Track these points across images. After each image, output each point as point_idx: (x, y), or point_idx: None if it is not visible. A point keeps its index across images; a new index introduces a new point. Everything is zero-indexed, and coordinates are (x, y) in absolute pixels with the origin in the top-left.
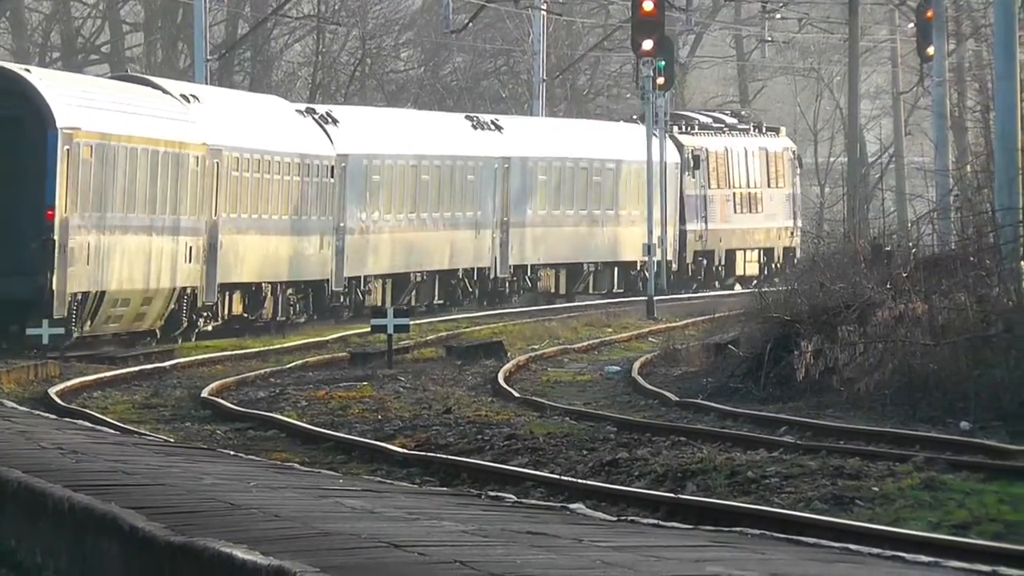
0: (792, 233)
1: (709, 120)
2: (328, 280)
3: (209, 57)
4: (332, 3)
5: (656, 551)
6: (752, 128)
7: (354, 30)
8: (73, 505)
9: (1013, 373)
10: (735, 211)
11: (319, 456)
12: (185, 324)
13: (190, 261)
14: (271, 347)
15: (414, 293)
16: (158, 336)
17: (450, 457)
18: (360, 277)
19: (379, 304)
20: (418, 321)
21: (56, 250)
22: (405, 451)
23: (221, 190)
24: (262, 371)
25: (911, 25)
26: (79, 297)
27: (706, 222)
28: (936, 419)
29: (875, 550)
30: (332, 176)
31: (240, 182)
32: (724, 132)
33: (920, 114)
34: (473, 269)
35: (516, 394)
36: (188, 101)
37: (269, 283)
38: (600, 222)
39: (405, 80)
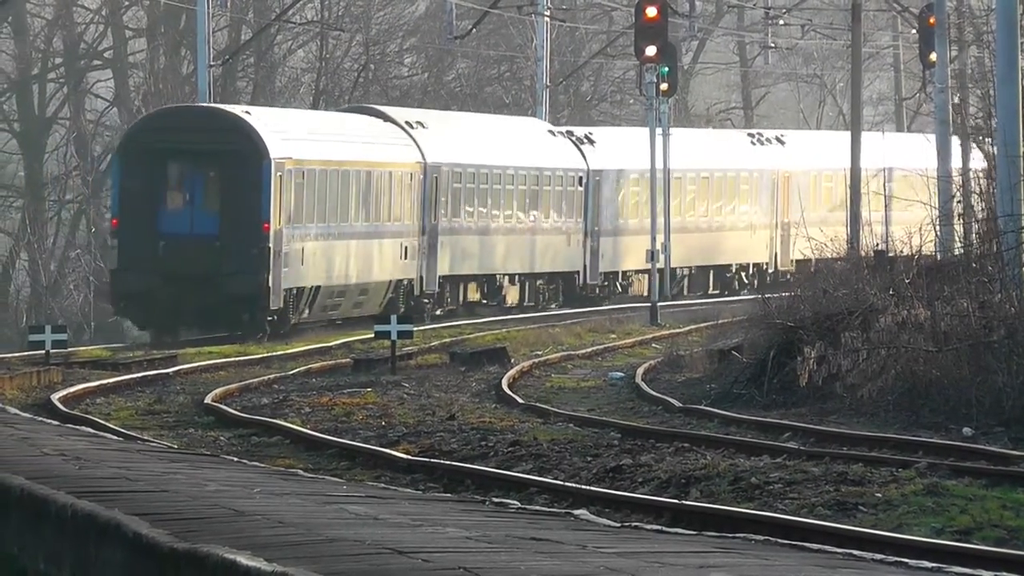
0: None
1: None
2: (579, 272)
3: (212, 63)
4: (336, 9)
5: (660, 557)
6: None
7: (358, 36)
8: (76, 512)
9: (1015, 379)
10: None
11: (323, 462)
12: (402, 309)
13: (405, 258)
14: (274, 353)
15: (685, 283)
16: None
17: (454, 463)
18: (617, 272)
19: (642, 294)
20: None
21: (271, 255)
22: (409, 457)
23: (440, 200)
24: (265, 377)
25: (913, 31)
26: (294, 292)
27: None
28: (939, 425)
29: (878, 556)
30: (581, 186)
31: (462, 193)
32: None
33: (923, 120)
34: (749, 264)
35: (520, 400)
36: (413, 127)
37: (506, 274)
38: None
39: (409, 86)
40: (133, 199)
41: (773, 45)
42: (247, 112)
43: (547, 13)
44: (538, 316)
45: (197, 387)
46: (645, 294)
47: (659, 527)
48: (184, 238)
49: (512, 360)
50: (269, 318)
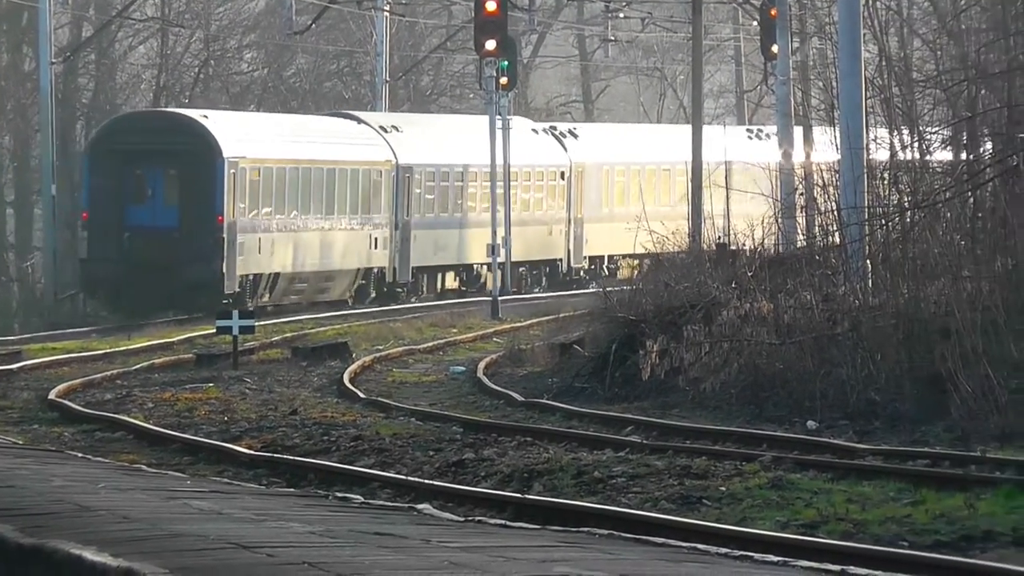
0: None
1: None
2: (561, 259)
3: (54, 60)
4: (176, 5)
5: (504, 551)
6: None
7: (198, 32)
8: None
9: (859, 372)
10: None
11: (166, 457)
12: (373, 295)
13: (376, 248)
14: (117, 349)
15: None
16: (350, 304)
17: (297, 458)
18: (603, 256)
19: (629, 277)
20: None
21: (225, 245)
22: (252, 452)
23: (413, 197)
24: (108, 373)
25: (755, 23)
26: (251, 278)
27: None
28: (783, 418)
29: (723, 550)
30: (563, 179)
31: (436, 190)
32: None
33: (764, 113)
34: None
35: (362, 395)
36: (387, 131)
37: (484, 263)
38: None
39: (249, 82)
40: (101, 195)
41: (613, 38)
42: (204, 116)
43: (386, 8)
44: (379, 311)
45: (41, 383)
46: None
47: (503, 521)
48: (147, 230)
49: (353, 355)
50: (225, 301)
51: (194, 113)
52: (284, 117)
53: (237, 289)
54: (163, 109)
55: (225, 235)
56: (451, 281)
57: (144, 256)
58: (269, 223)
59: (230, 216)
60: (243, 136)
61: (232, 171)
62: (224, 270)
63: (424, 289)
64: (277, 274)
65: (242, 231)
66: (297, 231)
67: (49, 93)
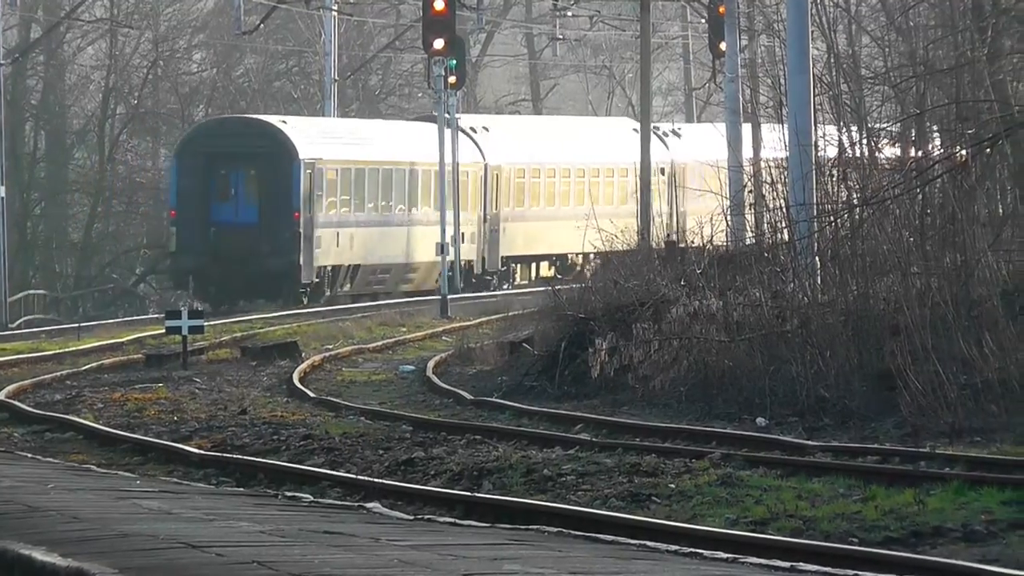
0: None
1: None
2: None
3: (3, 61)
4: (125, 6)
5: (454, 550)
6: None
7: (147, 33)
8: None
9: (809, 369)
10: None
11: (116, 458)
12: (461, 286)
13: (462, 243)
14: (67, 349)
15: None
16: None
17: (246, 458)
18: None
19: None
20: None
21: (301, 239)
22: (201, 452)
23: (502, 192)
24: (59, 373)
25: (703, 21)
26: (328, 269)
27: None
28: (732, 415)
29: (673, 547)
30: (663, 175)
31: (526, 186)
32: None
33: (713, 110)
34: None
35: (311, 394)
36: (476, 132)
37: (580, 253)
38: None
39: (198, 82)
40: (188, 194)
41: (561, 37)
42: (283, 121)
43: (334, 7)
44: (328, 310)
45: None
46: None
47: (452, 520)
48: (230, 225)
49: (303, 354)
50: (302, 291)
51: (273, 119)
52: (365, 122)
53: (315, 279)
54: (245, 115)
55: (301, 230)
56: (545, 270)
57: (227, 249)
58: (347, 219)
59: (306, 213)
60: (319, 140)
61: (308, 172)
62: (301, 262)
63: (516, 277)
64: (357, 266)
65: (319, 226)
66: (377, 226)
67: None
